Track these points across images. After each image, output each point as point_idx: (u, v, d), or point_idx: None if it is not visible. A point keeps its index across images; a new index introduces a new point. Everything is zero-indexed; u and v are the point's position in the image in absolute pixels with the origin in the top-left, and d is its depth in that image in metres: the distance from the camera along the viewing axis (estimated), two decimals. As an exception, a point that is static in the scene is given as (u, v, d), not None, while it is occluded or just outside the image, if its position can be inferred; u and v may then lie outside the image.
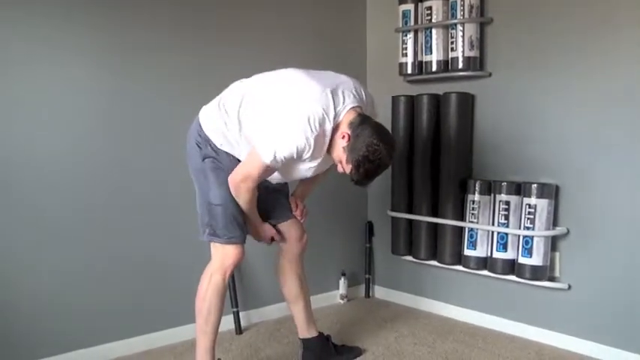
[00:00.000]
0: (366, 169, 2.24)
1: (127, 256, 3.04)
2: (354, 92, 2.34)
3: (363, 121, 2.28)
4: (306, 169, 2.38)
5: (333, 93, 2.27)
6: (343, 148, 2.27)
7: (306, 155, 2.26)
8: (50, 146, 2.80)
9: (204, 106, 2.55)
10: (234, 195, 2.42)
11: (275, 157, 2.24)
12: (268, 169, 2.32)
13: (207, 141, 2.46)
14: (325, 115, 2.24)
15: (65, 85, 2.83)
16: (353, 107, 2.30)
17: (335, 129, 2.28)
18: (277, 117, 2.27)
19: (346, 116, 2.28)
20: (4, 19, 2.65)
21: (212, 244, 2.52)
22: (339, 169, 2.34)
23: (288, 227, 2.73)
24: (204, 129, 2.47)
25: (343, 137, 2.26)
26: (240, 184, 2.37)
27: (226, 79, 2.55)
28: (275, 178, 2.49)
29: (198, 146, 2.48)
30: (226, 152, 2.46)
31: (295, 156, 2.25)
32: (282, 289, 2.82)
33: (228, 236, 2.46)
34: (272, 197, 2.66)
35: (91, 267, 2.94)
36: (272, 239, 2.71)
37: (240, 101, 2.40)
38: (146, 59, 3.03)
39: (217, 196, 2.45)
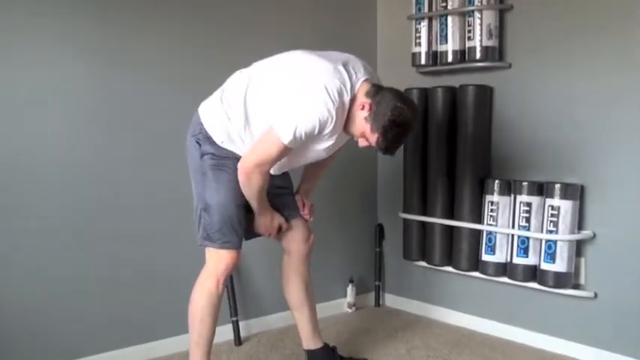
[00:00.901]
0: (393, 133, 2.32)
1: (121, 264, 3.07)
2: (364, 66, 2.44)
3: (380, 88, 2.37)
4: (322, 149, 2.41)
5: (345, 67, 2.35)
6: (365, 118, 2.33)
7: (328, 129, 2.29)
8: (42, 149, 2.84)
9: (204, 101, 2.56)
10: (243, 184, 2.40)
11: (295, 134, 2.25)
12: (285, 151, 2.32)
13: (208, 138, 2.47)
14: (342, 87, 2.30)
15: (58, 83, 2.86)
16: (365, 79, 2.39)
17: (351, 102, 2.34)
18: (293, 94, 2.30)
19: (361, 88, 2.36)
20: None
21: (206, 249, 2.52)
22: (362, 143, 2.40)
23: (294, 227, 2.75)
24: (205, 125, 2.48)
25: (363, 108, 2.33)
26: (254, 170, 2.35)
27: (230, 70, 2.58)
28: (281, 165, 2.49)
29: (198, 143, 2.49)
30: (227, 150, 2.47)
31: (317, 131, 2.28)
32: (286, 295, 2.83)
33: (222, 240, 2.46)
34: (276, 194, 2.67)
35: (85, 275, 2.97)
36: (279, 229, 2.69)
37: (245, 89, 2.41)
38: (144, 57, 3.08)
39: (214, 196, 2.45)
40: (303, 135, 2.27)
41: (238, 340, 3.35)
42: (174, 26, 3.16)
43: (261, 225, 2.62)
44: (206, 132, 2.47)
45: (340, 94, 2.28)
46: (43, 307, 2.86)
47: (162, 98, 3.12)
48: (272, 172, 2.50)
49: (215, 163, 2.47)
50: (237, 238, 2.50)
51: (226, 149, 2.46)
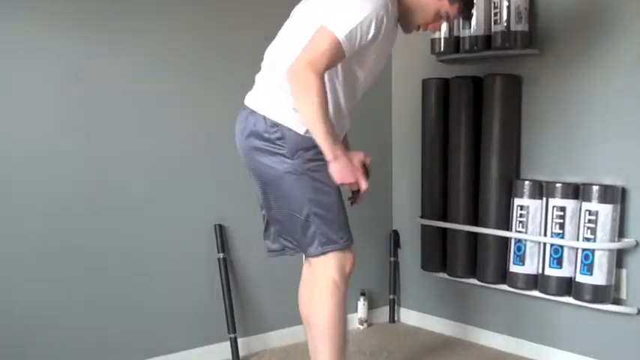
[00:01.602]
0: None
1: (112, 273, 3.09)
2: None
3: None
4: (374, 58, 2.40)
5: None
6: None
7: (385, 21, 2.25)
8: (26, 149, 2.86)
9: (251, 96, 2.44)
10: (297, 94, 2.24)
11: (350, 28, 2.19)
12: (339, 52, 2.21)
13: (286, 135, 2.32)
14: None
15: (39, 77, 2.87)
16: None
17: None
18: None
19: None
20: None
21: (323, 257, 2.41)
22: (433, 27, 2.54)
23: None
24: (280, 120, 2.33)
25: None
26: (305, 67, 2.18)
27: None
28: (351, 86, 2.42)
29: (274, 144, 2.34)
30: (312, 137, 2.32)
31: (374, 23, 2.22)
32: (302, 309, 2.71)
33: (345, 239, 2.41)
34: None
35: (74, 285, 2.99)
36: (365, 170, 2.41)
37: (287, 43, 2.37)
38: (131, 49, 3.09)
39: (328, 195, 2.37)
40: (359, 28, 2.20)
41: (237, 360, 3.34)
42: (164, 17, 3.18)
43: (339, 172, 2.31)
44: (286, 128, 2.32)
45: None
46: (29, 315, 2.87)
47: (154, 94, 3.14)
48: (343, 96, 2.42)
49: (310, 160, 2.34)
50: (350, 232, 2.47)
51: (310, 136, 2.30)
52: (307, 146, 2.32)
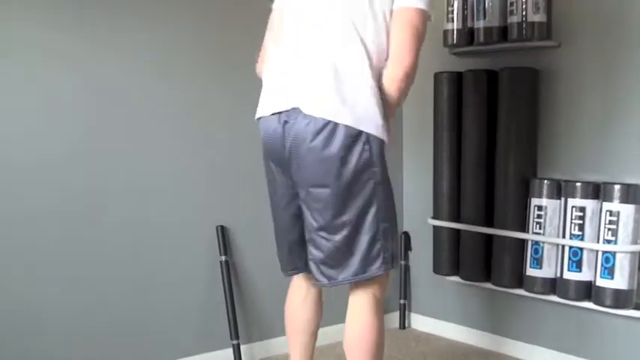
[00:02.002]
0: None
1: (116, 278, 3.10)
2: None
3: None
4: None
5: None
6: None
7: None
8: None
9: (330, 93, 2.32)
10: (406, 88, 2.32)
11: None
12: (426, 20, 2.29)
13: (369, 129, 2.24)
14: None
15: (38, 70, 2.87)
16: None
17: None
18: None
19: None
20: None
21: (377, 277, 2.33)
22: None
23: None
24: (372, 114, 2.26)
25: None
26: (416, 61, 2.27)
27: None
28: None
29: (353, 144, 2.22)
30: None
31: None
32: (306, 327, 2.67)
33: (397, 256, 2.40)
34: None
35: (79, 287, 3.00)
36: None
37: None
38: (131, 44, 3.10)
39: (393, 210, 2.34)
40: None
41: (239, 367, 3.37)
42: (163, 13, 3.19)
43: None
44: (377, 121, 2.24)
45: None
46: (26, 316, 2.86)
47: (154, 96, 3.17)
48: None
49: (384, 168, 2.31)
50: None
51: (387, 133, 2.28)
52: None
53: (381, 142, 2.25)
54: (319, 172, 2.22)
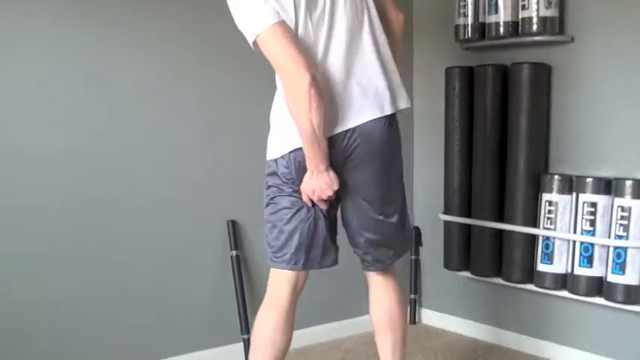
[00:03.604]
0: None
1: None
2: None
3: None
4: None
5: None
6: None
7: None
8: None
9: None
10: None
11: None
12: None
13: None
14: None
15: (53, 75, 2.90)
16: None
17: None
18: None
19: None
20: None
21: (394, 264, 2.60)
22: None
23: None
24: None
25: None
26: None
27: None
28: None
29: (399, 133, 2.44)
30: None
31: None
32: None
33: None
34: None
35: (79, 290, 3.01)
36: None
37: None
38: (142, 47, 3.12)
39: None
40: None
41: (249, 362, 3.32)
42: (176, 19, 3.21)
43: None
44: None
45: None
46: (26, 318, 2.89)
47: (165, 91, 3.18)
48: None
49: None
50: None
51: None
52: None
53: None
54: (392, 158, 2.40)
